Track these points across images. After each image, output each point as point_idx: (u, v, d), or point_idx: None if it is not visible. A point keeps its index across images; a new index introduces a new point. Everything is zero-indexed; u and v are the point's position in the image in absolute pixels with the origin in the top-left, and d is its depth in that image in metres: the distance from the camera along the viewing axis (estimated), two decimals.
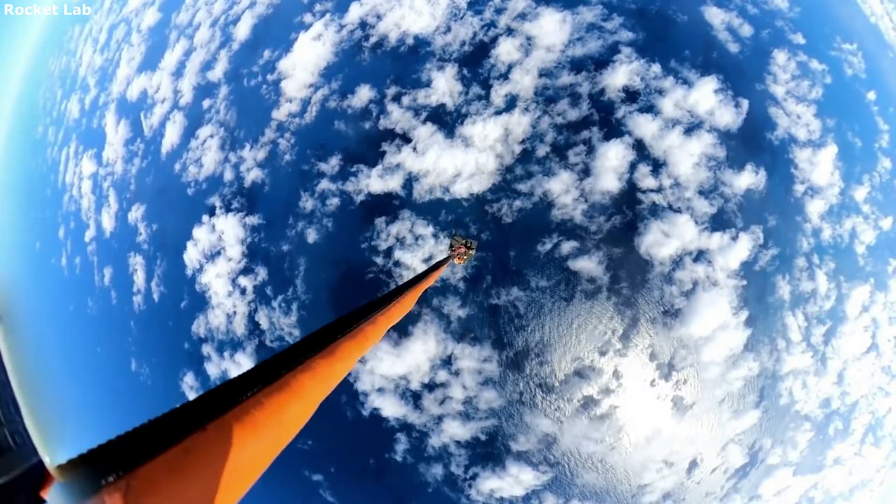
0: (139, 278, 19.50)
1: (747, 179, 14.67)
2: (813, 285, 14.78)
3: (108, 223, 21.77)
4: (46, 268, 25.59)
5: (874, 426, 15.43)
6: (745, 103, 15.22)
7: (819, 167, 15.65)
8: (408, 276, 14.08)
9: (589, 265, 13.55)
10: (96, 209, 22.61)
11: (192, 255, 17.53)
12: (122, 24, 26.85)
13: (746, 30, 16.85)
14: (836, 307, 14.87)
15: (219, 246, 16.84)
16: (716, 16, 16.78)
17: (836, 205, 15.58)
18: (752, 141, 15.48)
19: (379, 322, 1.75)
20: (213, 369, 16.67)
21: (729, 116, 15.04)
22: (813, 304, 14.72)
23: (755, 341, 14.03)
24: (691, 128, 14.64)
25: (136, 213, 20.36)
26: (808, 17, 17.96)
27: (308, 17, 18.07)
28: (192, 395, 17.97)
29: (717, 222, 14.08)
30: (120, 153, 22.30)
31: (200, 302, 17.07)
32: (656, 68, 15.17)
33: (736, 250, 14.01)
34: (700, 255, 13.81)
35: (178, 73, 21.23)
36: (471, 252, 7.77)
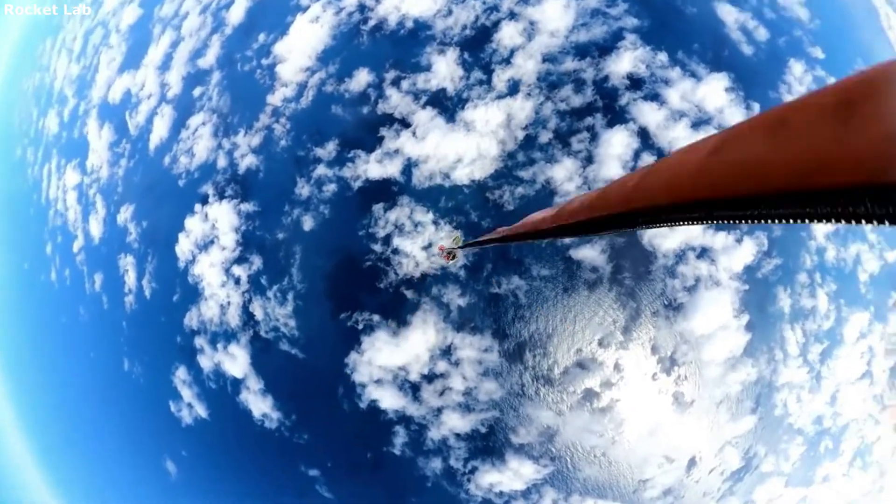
0: (130, 278, 19.45)
1: None
2: (813, 303, 14.83)
3: (96, 230, 21.63)
4: (37, 285, 25.52)
5: (863, 451, 15.61)
6: (756, 107, 15.25)
7: None
8: (408, 263, 14.08)
9: (591, 255, 13.61)
10: (83, 218, 22.40)
11: (184, 247, 17.47)
12: (98, 27, 26.37)
13: (762, 33, 16.76)
14: (835, 328, 14.93)
15: (212, 235, 16.78)
16: (729, 13, 16.69)
17: (843, 228, 15.66)
18: None
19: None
20: (206, 362, 16.69)
21: (739, 117, 15.10)
22: (812, 321, 14.79)
23: (754, 348, 14.20)
24: (699, 122, 14.68)
25: (124, 214, 20.24)
26: (829, 33, 17.70)
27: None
28: (184, 390, 18.04)
29: (721, 224, 14.14)
30: (105, 158, 22.08)
31: (193, 294, 17.04)
32: (662, 57, 15.19)
33: (739, 253, 14.11)
34: (703, 252, 13.92)
35: (164, 66, 21.01)
36: (449, 257, 7.95)
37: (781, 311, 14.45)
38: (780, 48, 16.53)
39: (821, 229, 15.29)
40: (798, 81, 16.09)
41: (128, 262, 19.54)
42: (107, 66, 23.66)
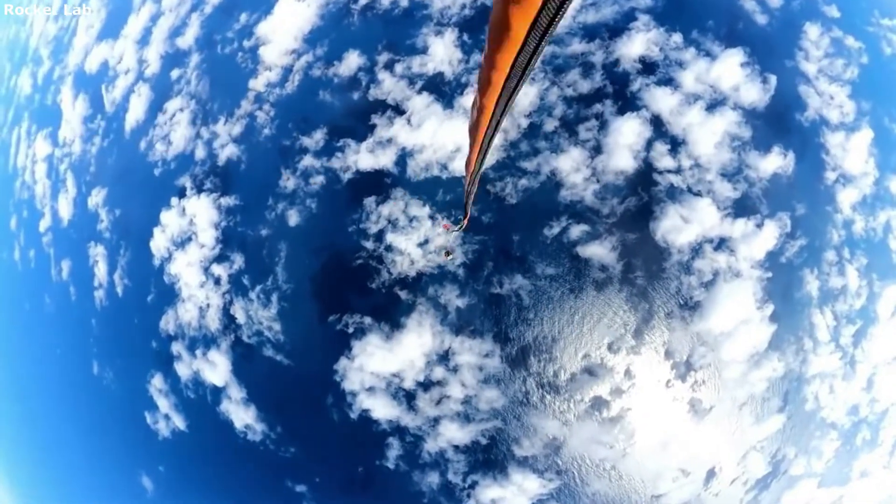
0: (100, 270, 19.26)
1: (774, 163, 14.73)
2: (843, 281, 14.88)
3: (65, 210, 21.46)
4: None
5: None
6: (773, 79, 15.22)
7: (852, 153, 15.70)
8: (402, 261, 13.96)
9: (600, 252, 13.56)
10: (52, 195, 22.27)
11: (159, 243, 17.31)
12: None
13: (776, 0, 16.81)
14: (867, 306, 14.99)
15: (189, 231, 16.64)
16: None
17: (870, 195, 15.64)
18: (780, 121, 15.53)
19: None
20: (184, 370, 16.54)
21: (755, 93, 15.06)
22: (842, 301, 14.84)
23: (780, 339, 14.17)
24: (714, 104, 14.65)
25: (96, 197, 20.08)
26: None
27: None
28: (160, 400, 17.76)
29: (741, 208, 14.15)
30: (78, 132, 21.92)
31: (169, 295, 16.88)
32: (677, 38, 15.13)
33: (761, 239, 14.09)
34: (722, 243, 13.87)
35: (143, 40, 20.85)
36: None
37: (809, 295, 14.37)
38: (795, 13, 16.52)
39: (846, 200, 15.17)
40: (815, 45, 16.06)
41: (98, 253, 19.37)
42: (85, 32, 23.35)
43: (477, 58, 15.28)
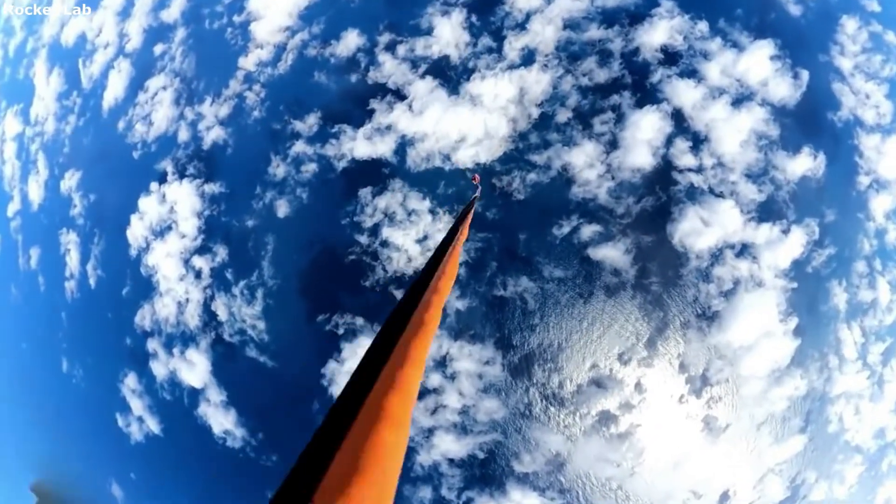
0: (72, 260, 19.29)
1: (803, 165, 14.77)
2: (873, 295, 14.99)
3: (35, 194, 21.51)
4: None
5: None
6: (804, 75, 15.26)
7: (888, 157, 15.76)
8: (399, 257, 13.99)
9: (613, 254, 13.60)
10: (22, 177, 22.33)
11: (136, 232, 17.33)
12: None
13: None
14: None
15: (169, 220, 16.67)
16: None
17: None
18: (811, 120, 15.56)
19: (433, 303, 1.68)
20: (159, 369, 16.57)
21: (785, 89, 15.10)
22: (872, 316, 14.96)
23: (803, 355, 14.23)
24: (740, 99, 14.69)
25: (69, 181, 20.11)
26: None
27: None
28: (133, 401, 17.72)
29: (766, 212, 14.20)
30: (52, 109, 21.96)
31: (146, 288, 16.92)
32: (702, 27, 15.15)
33: (786, 246, 14.14)
34: (744, 250, 13.92)
35: (124, 12, 20.86)
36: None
37: (836, 308, 14.45)
38: (831, 4, 16.62)
39: (879, 208, 15.12)
40: (851, 40, 16.13)
41: (70, 240, 19.42)
42: (61, 1, 23.44)
43: (486, 41, 15.26)
